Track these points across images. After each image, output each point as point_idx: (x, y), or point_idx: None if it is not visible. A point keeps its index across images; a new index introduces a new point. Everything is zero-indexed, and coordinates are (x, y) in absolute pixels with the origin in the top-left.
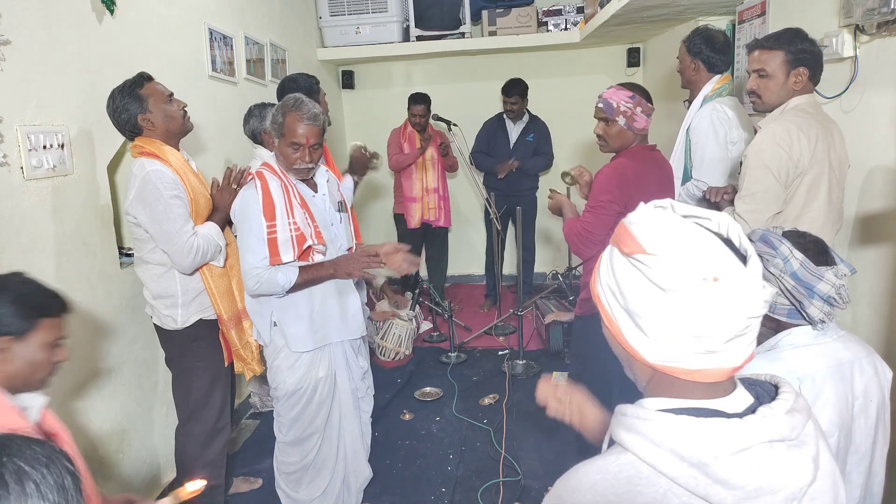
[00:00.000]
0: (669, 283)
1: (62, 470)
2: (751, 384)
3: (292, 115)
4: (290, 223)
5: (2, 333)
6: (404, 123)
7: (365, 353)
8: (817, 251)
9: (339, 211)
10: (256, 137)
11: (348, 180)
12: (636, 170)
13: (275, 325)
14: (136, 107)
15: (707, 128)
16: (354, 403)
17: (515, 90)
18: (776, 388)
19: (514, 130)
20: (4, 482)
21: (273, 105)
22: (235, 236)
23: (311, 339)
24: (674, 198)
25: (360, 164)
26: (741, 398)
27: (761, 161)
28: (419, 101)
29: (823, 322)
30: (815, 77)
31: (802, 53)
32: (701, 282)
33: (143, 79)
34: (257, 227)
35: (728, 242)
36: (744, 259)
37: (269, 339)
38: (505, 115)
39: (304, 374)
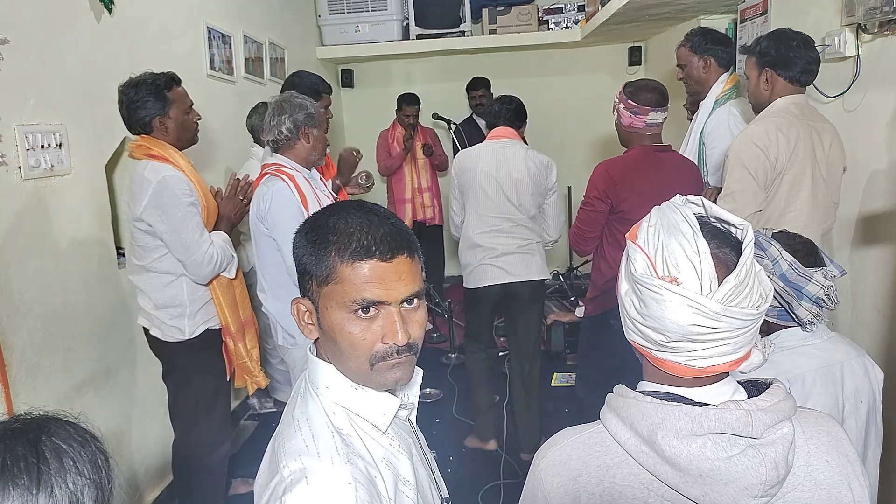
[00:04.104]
0: (638, 273)
1: (95, 449)
2: (752, 384)
3: (318, 106)
4: None
5: None
6: (392, 124)
7: None
8: (806, 252)
9: None
10: (255, 134)
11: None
12: (627, 169)
13: None
14: (157, 107)
15: (726, 133)
16: None
17: (481, 83)
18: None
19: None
20: (45, 458)
21: None
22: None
23: None
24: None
25: (347, 166)
26: (724, 392)
27: (740, 161)
28: (413, 101)
29: (812, 323)
30: (792, 79)
31: (765, 56)
32: (658, 280)
33: (174, 81)
34: (303, 219)
35: (737, 249)
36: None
37: (302, 337)
38: (475, 116)
39: None
